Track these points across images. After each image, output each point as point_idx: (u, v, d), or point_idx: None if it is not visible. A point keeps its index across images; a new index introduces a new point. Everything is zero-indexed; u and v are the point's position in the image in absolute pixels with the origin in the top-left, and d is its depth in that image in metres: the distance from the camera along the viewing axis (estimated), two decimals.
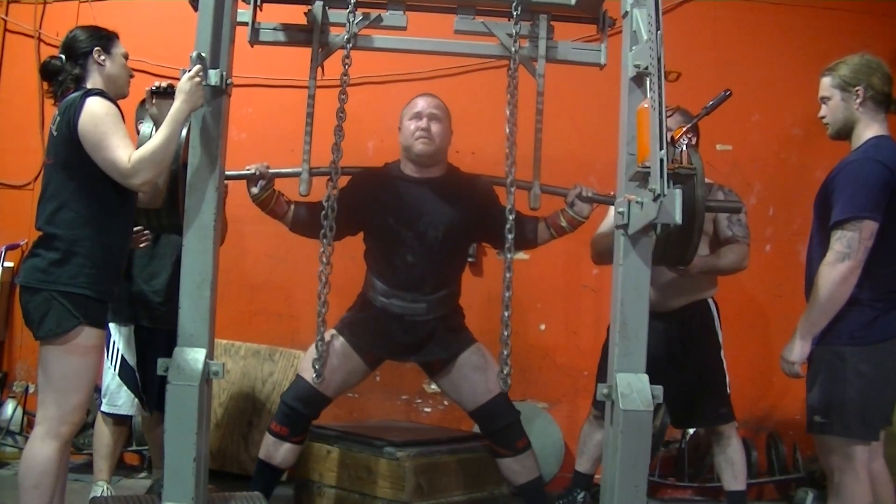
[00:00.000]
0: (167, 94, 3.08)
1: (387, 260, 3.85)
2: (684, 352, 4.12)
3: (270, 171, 3.65)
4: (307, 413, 3.80)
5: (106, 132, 3.00)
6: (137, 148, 3.17)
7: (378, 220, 3.84)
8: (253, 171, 3.63)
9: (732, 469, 4.14)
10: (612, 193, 3.41)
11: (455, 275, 4.00)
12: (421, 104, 3.85)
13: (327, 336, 3.74)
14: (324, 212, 3.37)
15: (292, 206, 3.78)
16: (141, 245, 3.94)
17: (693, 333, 4.13)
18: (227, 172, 3.30)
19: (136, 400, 4.13)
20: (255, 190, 3.67)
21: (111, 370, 4.12)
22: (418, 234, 3.79)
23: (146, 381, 4.09)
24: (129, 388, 4.11)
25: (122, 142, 3.00)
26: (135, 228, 3.74)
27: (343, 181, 3.61)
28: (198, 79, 2.97)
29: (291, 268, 5.29)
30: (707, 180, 4.23)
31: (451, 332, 3.91)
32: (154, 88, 3.47)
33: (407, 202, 3.83)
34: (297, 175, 3.82)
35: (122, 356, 4.12)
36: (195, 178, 3.07)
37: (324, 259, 3.37)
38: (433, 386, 4.92)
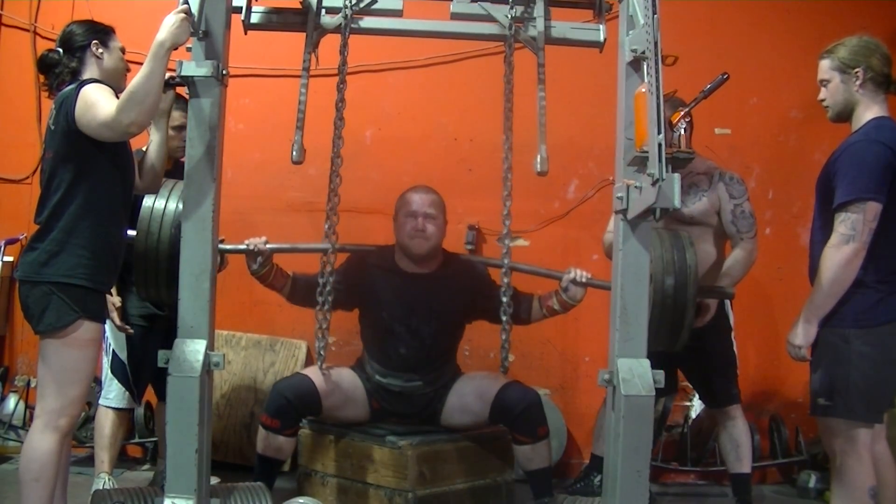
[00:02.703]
0: (167, 84, 3.05)
1: (381, 349, 3.98)
2: (698, 336, 4.12)
3: (268, 246, 3.71)
4: (299, 408, 3.81)
5: (94, 103, 2.97)
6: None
7: (372, 312, 3.98)
8: (252, 247, 3.68)
9: (738, 451, 4.15)
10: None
11: (451, 352, 4.11)
12: (416, 202, 3.91)
13: (342, 368, 3.94)
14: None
15: (290, 280, 3.87)
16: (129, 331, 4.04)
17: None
18: (223, 246, 3.38)
19: (128, 393, 4.15)
20: (254, 266, 3.75)
21: (106, 363, 4.14)
22: (411, 330, 3.91)
23: (137, 374, 4.12)
24: (119, 381, 4.13)
25: (108, 102, 2.95)
26: (125, 326, 3.99)
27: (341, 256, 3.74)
28: (183, 14, 2.91)
29: (292, 257, 5.28)
30: (711, 164, 4.25)
31: (448, 392, 4.01)
32: None
33: (400, 298, 3.92)
34: (295, 251, 3.98)
35: (113, 350, 4.13)
36: (193, 169, 3.05)
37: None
38: None
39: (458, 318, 4.04)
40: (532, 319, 3.99)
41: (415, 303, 3.91)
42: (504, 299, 3.45)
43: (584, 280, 3.75)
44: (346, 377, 3.94)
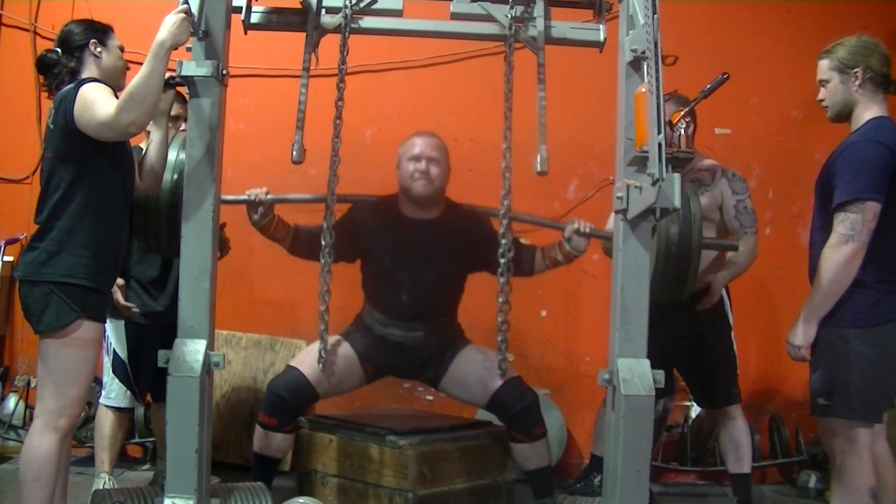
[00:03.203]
0: (167, 84, 3.05)
1: (383, 297, 3.94)
2: (698, 335, 4.13)
3: (269, 196, 3.68)
4: (294, 404, 3.81)
5: (93, 102, 2.96)
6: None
7: (374, 259, 3.94)
8: (252, 197, 3.65)
9: (737, 451, 4.15)
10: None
11: (453, 304, 4.08)
12: (420, 146, 3.88)
13: (332, 340, 3.79)
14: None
15: (291, 231, 3.84)
16: (135, 316, 4.02)
17: (706, 317, 4.14)
18: (224, 197, 3.31)
19: (129, 392, 4.14)
20: (255, 217, 3.72)
21: (107, 362, 4.14)
22: (413, 276, 3.87)
23: (137, 373, 4.11)
24: (120, 380, 4.13)
25: (108, 101, 2.94)
26: (128, 305, 3.98)
27: (341, 208, 3.66)
28: (183, 14, 2.90)
29: (291, 258, 5.28)
30: (712, 161, 4.26)
31: (450, 351, 3.98)
32: None
33: (403, 244, 3.89)
34: (296, 202, 3.98)
35: (114, 349, 4.13)
36: (193, 169, 3.05)
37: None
38: None
39: (460, 266, 3.99)
40: (535, 271, 3.94)
41: (417, 248, 3.88)
42: (501, 299, 3.43)
43: (587, 231, 3.73)
44: (338, 353, 3.88)
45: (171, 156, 3.43)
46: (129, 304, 3.98)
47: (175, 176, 3.35)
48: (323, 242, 3.40)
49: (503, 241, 3.40)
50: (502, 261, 3.40)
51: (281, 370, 4.90)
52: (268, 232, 3.78)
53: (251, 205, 3.68)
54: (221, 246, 4.04)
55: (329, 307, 3.49)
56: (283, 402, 3.77)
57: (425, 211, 3.92)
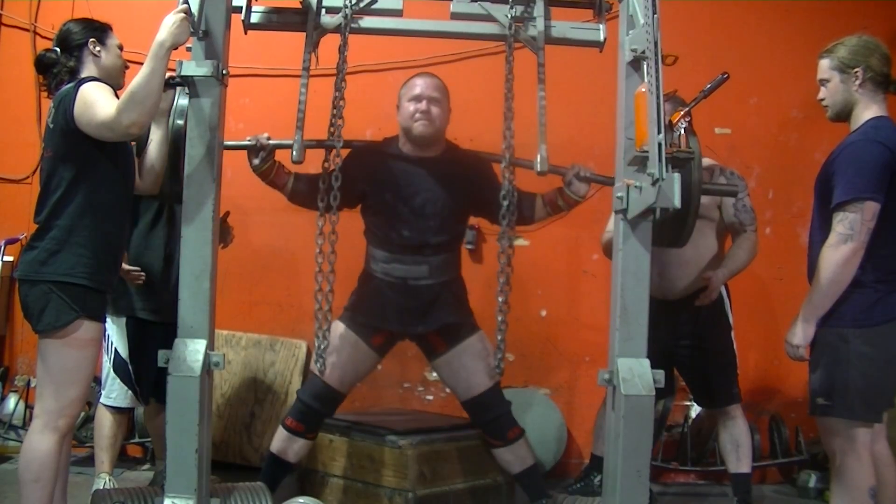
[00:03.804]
0: (167, 84, 3.05)
1: (385, 234, 3.85)
2: (698, 335, 4.13)
3: (270, 142, 3.62)
4: (324, 411, 3.82)
5: (94, 102, 2.96)
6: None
7: (376, 196, 3.86)
8: (253, 142, 3.62)
9: (738, 451, 4.14)
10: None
11: (455, 241, 3.99)
12: (420, 86, 3.83)
13: (336, 337, 3.76)
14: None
15: (292, 177, 3.77)
16: (137, 282, 3.97)
17: (706, 317, 4.14)
18: (227, 143, 3.27)
19: (131, 392, 4.13)
20: (255, 161, 3.63)
21: (107, 362, 4.13)
22: (415, 211, 3.80)
23: (139, 372, 4.08)
24: (121, 380, 4.11)
25: (108, 101, 2.95)
26: (132, 268, 3.91)
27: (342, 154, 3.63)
28: (183, 14, 2.90)
29: (291, 257, 5.29)
30: (711, 161, 4.26)
31: (457, 301, 3.91)
32: None
33: (404, 181, 3.84)
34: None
35: (115, 349, 4.11)
36: (194, 169, 3.05)
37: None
38: (434, 374, 4.93)
39: (460, 203, 3.91)
40: (535, 218, 3.89)
41: (419, 183, 3.83)
42: (500, 299, 3.42)
43: (587, 175, 3.70)
44: (343, 343, 3.82)
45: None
46: (133, 269, 3.93)
47: (176, 122, 3.30)
48: (320, 239, 3.39)
49: (502, 242, 3.40)
50: (501, 260, 3.40)
51: (281, 370, 4.93)
52: (268, 178, 3.71)
53: (252, 149, 3.62)
54: (224, 236, 4.04)
55: (331, 307, 3.49)
56: (311, 410, 3.78)
57: (426, 150, 3.88)
